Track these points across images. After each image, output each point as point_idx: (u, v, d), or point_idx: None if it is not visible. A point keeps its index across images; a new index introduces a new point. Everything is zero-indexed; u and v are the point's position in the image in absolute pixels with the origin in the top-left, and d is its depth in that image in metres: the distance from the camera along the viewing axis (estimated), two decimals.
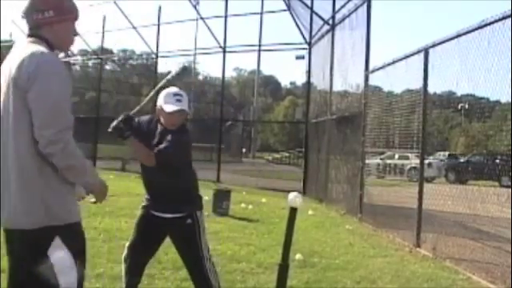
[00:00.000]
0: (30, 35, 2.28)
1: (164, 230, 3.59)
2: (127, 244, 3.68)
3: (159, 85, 3.63)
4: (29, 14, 2.26)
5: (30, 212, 2.14)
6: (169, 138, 3.41)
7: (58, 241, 2.18)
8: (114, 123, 3.28)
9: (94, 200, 2.39)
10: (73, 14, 2.35)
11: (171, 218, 3.51)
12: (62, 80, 2.18)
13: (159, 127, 3.55)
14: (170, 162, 3.39)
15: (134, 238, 3.65)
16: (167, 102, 3.46)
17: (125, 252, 3.67)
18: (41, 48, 2.20)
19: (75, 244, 2.25)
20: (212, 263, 3.53)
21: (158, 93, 3.56)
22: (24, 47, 2.21)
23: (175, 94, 3.48)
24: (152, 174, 3.50)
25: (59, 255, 2.19)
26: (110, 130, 3.30)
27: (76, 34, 2.42)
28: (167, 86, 3.58)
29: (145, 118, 3.66)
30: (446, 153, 20.38)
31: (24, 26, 2.34)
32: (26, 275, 2.19)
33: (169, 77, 3.67)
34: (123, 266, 3.67)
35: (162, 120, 3.53)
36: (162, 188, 3.51)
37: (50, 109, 2.11)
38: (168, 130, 3.48)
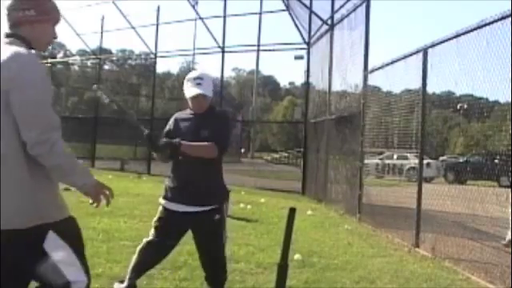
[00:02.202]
0: (8, 35, 2.29)
1: (188, 227, 3.57)
2: (146, 239, 3.65)
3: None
4: (11, 11, 2.29)
5: (22, 212, 2.15)
6: (211, 124, 3.47)
7: (53, 236, 2.20)
8: (163, 142, 3.36)
9: (91, 201, 2.39)
10: (53, 15, 2.38)
11: (199, 211, 3.47)
12: (44, 81, 2.20)
13: (190, 113, 3.63)
14: (225, 150, 3.49)
15: (153, 233, 3.61)
16: (188, 87, 3.54)
17: (140, 245, 3.66)
18: (21, 49, 2.21)
19: (71, 238, 2.26)
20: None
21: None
22: (4, 48, 2.21)
23: (195, 78, 3.54)
24: (188, 168, 3.47)
25: (59, 251, 2.20)
26: (162, 148, 3.36)
27: (55, 36, 2.43)
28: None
29: (178, 113, 3.76)
30: (445, 157, 20.53)
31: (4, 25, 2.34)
32: (28, 276, 2.19)
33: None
34: (134, 257, 3.65)
35: (190, 105, 3.60)
36: (197, 180, 3.47)
37: (33, 111, 2.13)
38: (199, 114, 3.55)
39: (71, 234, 2.28)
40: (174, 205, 3.54)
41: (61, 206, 2.30)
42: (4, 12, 2.30)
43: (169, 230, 3.57)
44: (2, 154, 2.14)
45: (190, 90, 3.51)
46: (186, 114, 3.67)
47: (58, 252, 2.19)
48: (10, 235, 2.13)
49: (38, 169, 2.18)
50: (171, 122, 3.69)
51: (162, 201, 3.64)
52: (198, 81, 3.51)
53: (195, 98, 3.50)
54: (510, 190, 6.90)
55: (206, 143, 3.40)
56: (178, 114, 3.74)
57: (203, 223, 3.50)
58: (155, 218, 3.67)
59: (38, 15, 2.29)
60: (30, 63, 2.18)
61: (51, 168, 2.20)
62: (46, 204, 2.22)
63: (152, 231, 3.65)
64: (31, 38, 2.30)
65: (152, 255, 3.65)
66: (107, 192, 2.40)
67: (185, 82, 3.58)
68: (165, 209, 3.61)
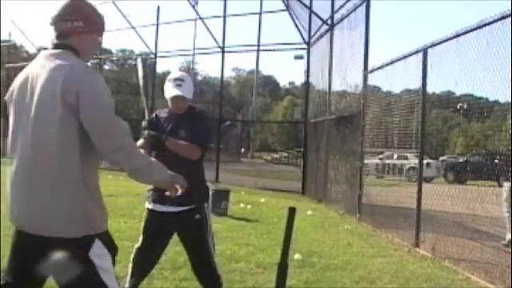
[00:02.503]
0: (57, 45, 2.32)
1: (172, 228, 3.58)
2: (136, 245, 3.67)
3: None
4: (57, 22, 2.31)
5: (75, 221, 2.19)
6: (190, 124, 3.52)
7: (99, 245, 2.25)
8: (150, 132, 3.47)
9: (168, 193, 2.54)
10: (100, 26, 2.43)
11: (180, 211, 3.47)
12: (106, 90, 2.25)
13: (169, 113, 3.68)
14: (207, 150, 3.56)
15: (142, 239, 3.65)
16: (168, 88, 3.60)
17: (133, 253, 3.67)
18: (77, 61, 2.26)
19: (110, 247, 2.32)
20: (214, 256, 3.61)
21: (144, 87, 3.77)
22: (58, 59, 2.23)
23: (176, 79, 3.60)
24: (169, 168, 3.47)
25: (102, 259, 2.25)
26: (146, 137, 3.46)
27: (100, 46, 2.50)
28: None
29: (158, 110, 3.83)
30: (445, 157, 20.55)
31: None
32: (67, 282, 2.20)
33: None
34: (130, 266, 3.67)
35: (169, 105, 3.66)
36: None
37: (105, 121, 2.19)
38: (178, 114, 3.60)
39: (111, 243, 2.34)
40: (157, 206, 3.56)
41: (106, 217, 2.34)
42: (50, 22, 2.32)
43: (154, 232, 3.59)
44: (60, 166, 2.17)
45: (169, 91, 3.57)
46: (166, 112, 3.72)
47: (101, 260, 2.24)
48: (60, 242, 2.16)
49: (91, 180, 2.24)
50: (151, 117, 3.73)
51: (146, 204, 3.68)
52: (179, 82, 3.56)
53: (174, 98, 3.56)
54: (509, 189, 6.90)
55: (190, 144, 3.45)
56: (158, 111, 3.81)
57: (184, 223, 3.52)
58: (142, 223, 3.70)
59: (85, 26, 2.32)
60: (91, 74, 2.25)
61: (130, 171, 2.28)
62: (96, 215, 2.26)
63: (140, 236, 3.68)
64: (80, 49, 2.33)
65: (145, 261, 3.66)
66: (181, 181, 2.52)
67: (166, 81, 3.63)
68: (148, 210, 3.64)
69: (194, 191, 3.46)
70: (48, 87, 2.16)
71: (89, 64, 2.37)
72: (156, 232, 3.59)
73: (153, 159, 2.47)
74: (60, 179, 2.17)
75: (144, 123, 3.60)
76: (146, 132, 3.49)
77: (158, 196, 3.48)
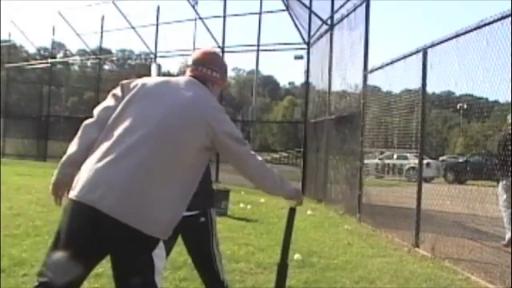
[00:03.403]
0: (196, 76, 2.64)
1: (177, 231, 3.55)
2: None
3: None
4: (199, 64, 2.67)
5: (160, 222, 2.35)
6: None
7: (160, 246, 2.50)
8: None
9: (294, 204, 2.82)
10: (226, 80, 2.83)
11: (187, 216, 3.45)
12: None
13: None
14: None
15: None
16: None
17: None
18: (208, 91, 2.61)
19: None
20: (220, 259, 3.56)
21: None
22: (199, 87, 2.58)
23: None
24: None
25: (159, 261, 2.51)
26: None
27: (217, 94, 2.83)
28: None
29: None
30: (445, 157, 20.57)
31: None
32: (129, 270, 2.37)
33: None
34: None
35: None
36: None
37: (237, 135, 2.52)
38: None
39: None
40: None
41: None
42: (191, 61, 2.69)
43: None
44: (182, 178, 2.42)
45: None
46: None
47: (158, 261, 2.46)
48: (138, 235, 2.28)
49: (191, 194, 2.47)
50: None
51: None
52: None
53: None
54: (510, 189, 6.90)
55: None
56: None
57: (189, 227, 3.50)
58: None
59: (219, 79, 2.71)
60: (216, 101, 2.66)
61: (261, 180, 2.62)
62: (174, 224, 2.43)
63: None
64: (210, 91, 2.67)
65: None
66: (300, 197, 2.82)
67: None
68: None
69: (202, 196, 3.47)
70: (187, 106, 2.44)
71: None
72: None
73: (276, 172, 2.68)
74: (169, 188, 2.35)
75: None
76: None
77: None
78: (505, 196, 6.97)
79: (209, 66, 2.66)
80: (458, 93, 9.66)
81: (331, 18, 13.20)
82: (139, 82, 2.56)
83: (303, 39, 16.26)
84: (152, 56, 21.11)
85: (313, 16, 15.04)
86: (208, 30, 18.50)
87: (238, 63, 79.72)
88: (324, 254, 6.25)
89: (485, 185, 7.66)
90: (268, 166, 2.67)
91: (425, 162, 7.91)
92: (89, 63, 26.33)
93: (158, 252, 2.44)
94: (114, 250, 2.33)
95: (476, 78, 5.89)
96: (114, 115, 2.45)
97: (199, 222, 3.49)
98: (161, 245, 2.47)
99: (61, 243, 2.30)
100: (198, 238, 3.53)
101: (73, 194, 2.31)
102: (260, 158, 2.59)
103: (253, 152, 2.60)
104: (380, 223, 8.55)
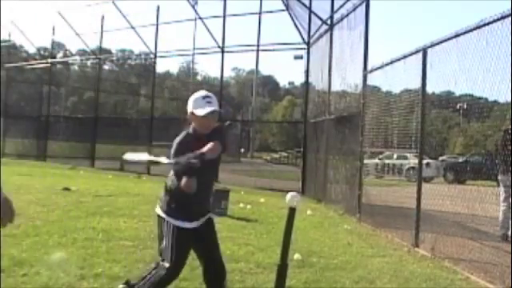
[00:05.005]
0: None
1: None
2: (164, 265, 3.41)
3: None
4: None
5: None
6: (213, 136, 3.38)
7: None
8: (192, 160, 3.16)
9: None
10: None
11: (203, 221, 3.59)
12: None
13: (194, 136, 3.44)
14: (225, 148, 3.42)
15: (174, 258, 3.40)
16: (198, 107, 3.39)
17: (160, 276, 3.41)
18: None
19: None
20: None
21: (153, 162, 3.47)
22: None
23: (204, 97, 3.43)
24: (202, 183, 3.36)
25: None
26: (195, 164, 3.15)
27: None
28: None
29: (180, 137, 3.48)
30: (445, 157, 20.57)
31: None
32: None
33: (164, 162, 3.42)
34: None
35: (195, 125, 3.45)
36: (207, 193, 3.57)
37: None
38: (205, 135, 3.39)
39: None
40: (186, 223, 3.45)
41: None
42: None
43: (188, 250, 3.50)
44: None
45: (200, 110, 3.35)
46: (189, 137, 3.46)
47: None
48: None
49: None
50: (183, 135, 3.47)
51: (175, 222, 3.43)
52: (208, 99, 3.41)
53: (208, 116, 3.36)
54: (509, 188, 6.90)
55: (211, 143, 3.30)
56: (180, 140, 3.45)
57: (204, 228, 3.57)
58: (169, 242, 3.41)
59: None
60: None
61: None
62: None
63: (169, 255, 3.40)
64: None
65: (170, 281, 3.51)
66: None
67: (191, 102, 3.43)
68: (178, 229, 3.42)
69: (210, 200, 3.65)
70: None
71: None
72: (188, 249, 3.51)
73: None
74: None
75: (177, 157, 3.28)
76: (184, 161, 3.17)
77: (186, 213, 3.43)
78: (505, 195, 6.97)
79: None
80: (457, 93, 9.67)
81: (331, 17, 13.20)
82: None
83: (303, 39, 16.26)
84: (152, 56, 21.11)
85: (312, 16, 15.03)
86: (208, 29, 18.51)
87: (237, 63, 79.85)
88: (324, 254, 6.25)
89: (484, 185, 7.66)
90: None
91: (424, 161, 7.91)
92: (89, 63, 26.33)
93: None
94: None
95: (476, 77, 5.89)
96: None
97: (213, 224, 3.69)
98: None
99: None
100: (211, 235, 3.66)
101: None
102: None
103: None
104: (380, 223, 8.55)
